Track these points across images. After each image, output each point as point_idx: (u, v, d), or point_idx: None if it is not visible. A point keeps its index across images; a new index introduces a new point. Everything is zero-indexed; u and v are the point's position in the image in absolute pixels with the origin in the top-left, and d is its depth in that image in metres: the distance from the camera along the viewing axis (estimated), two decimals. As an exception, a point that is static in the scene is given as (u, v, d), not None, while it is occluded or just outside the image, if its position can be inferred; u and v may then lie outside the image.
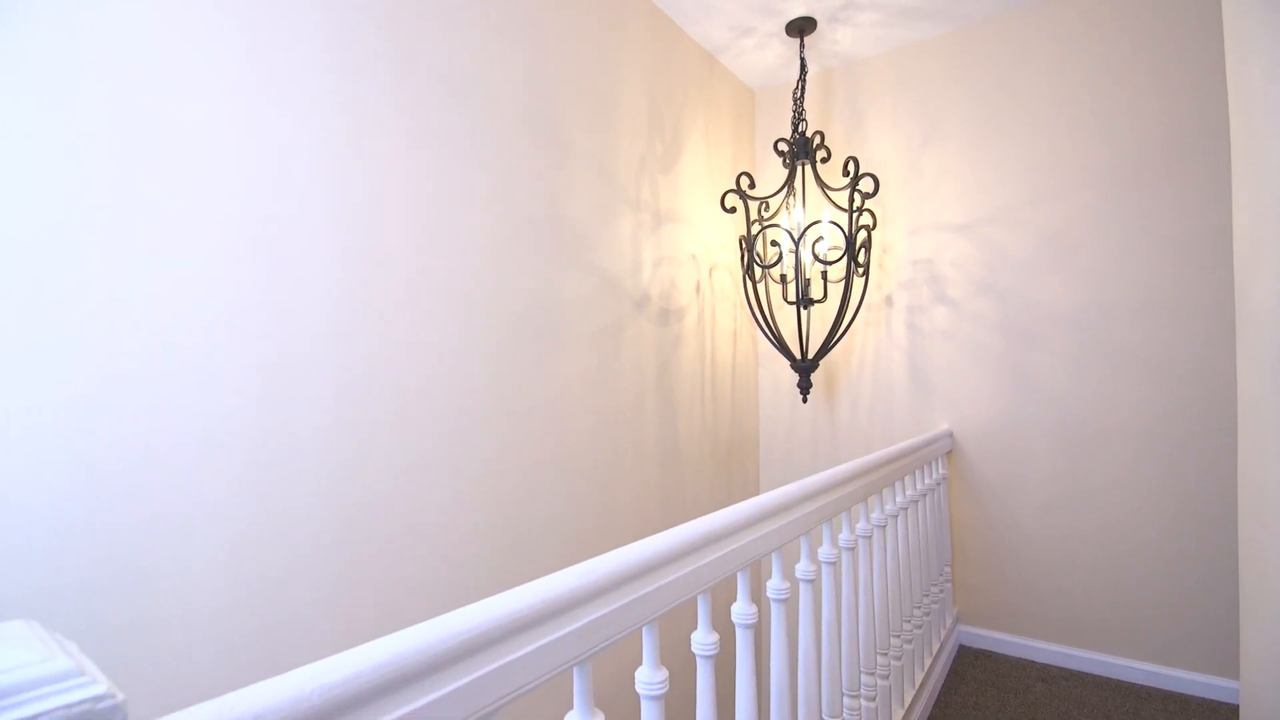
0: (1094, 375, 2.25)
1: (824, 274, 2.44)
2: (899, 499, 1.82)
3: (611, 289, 2.07)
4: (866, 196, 2.29)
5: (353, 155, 1.33)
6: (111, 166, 1.00)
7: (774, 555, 1.12)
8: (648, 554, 0.77)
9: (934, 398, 2.57)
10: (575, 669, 0.68)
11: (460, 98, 1.56)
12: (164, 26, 1.06)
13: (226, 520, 1.12)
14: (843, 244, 2.32)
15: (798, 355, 2.51)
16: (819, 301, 2.46)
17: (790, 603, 1.16)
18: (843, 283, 2.39)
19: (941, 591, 2.28)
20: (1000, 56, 2.43)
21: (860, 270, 2.41)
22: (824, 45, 2.62)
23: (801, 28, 2.44)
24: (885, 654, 1.67)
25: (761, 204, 2.51)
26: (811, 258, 2.44)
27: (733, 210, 2.51)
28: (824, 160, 2.44)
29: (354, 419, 1.32)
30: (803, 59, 2.50)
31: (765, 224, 2.50)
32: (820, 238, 2.44)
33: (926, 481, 2.15)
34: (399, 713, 0.47)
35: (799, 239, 2.37)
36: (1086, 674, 2.22)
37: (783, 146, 2.52)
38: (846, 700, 1.45)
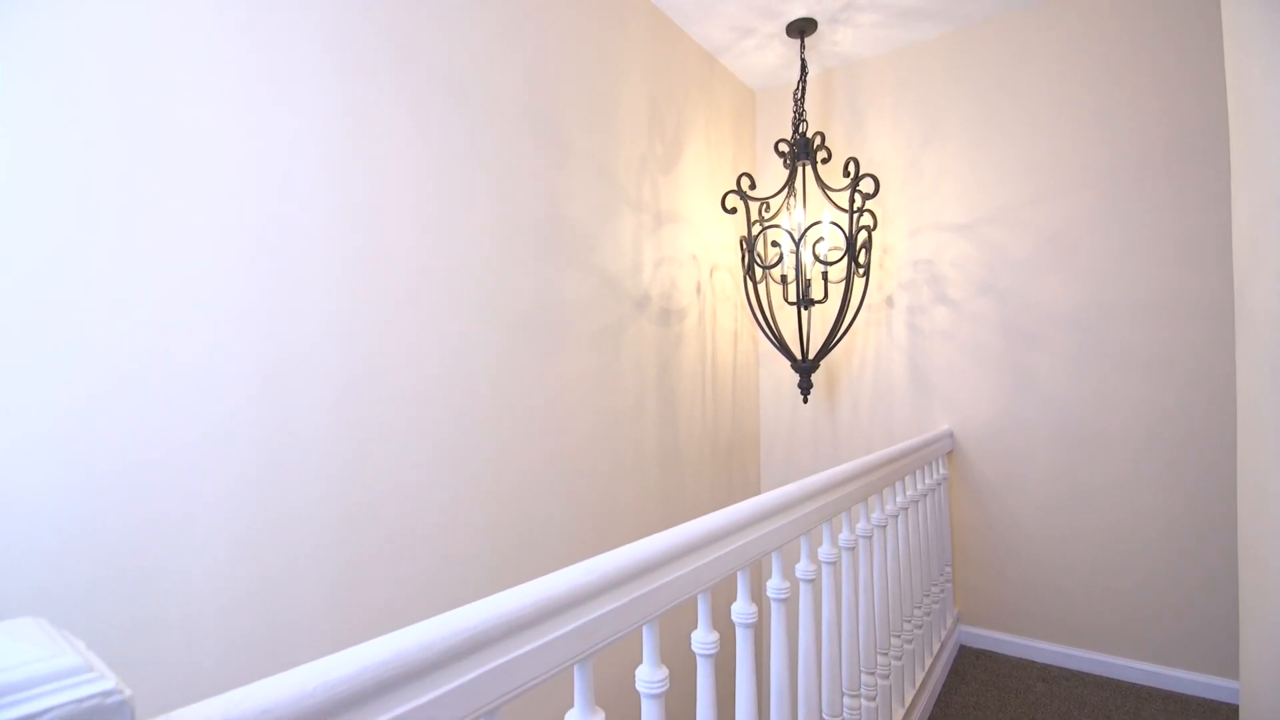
0: (1094, 375, 2.25)
1: (824, 274, 2.44)
2: (899, 499, 1.83)
3: (612, 289, 2.07)
4: (867, 197, 2.29)
5: (354, 156, 1.34)
6: (114, 167, 1.01)
7: (774, 555, 1.12)
8: (648, 553, 0.77)
9: (934, 398, 2.57)
10: (576, 667, 0.68)
11: (461, 98, 1.56)
12: (165, 27, 1.07)
13: (229, 520, 1.12)
14: (843, 244, 2.32)
15: (798, 355, 2.52)
16: (820, 302, 2.46)
17: (790, 602, 1.16)
18: (843, 283, 2.40)
19: (942, 591, 2.28)
20: (1001, 57, 2.43)
21: (861, 271, 2.41)
22: (824, 46, 2.62)
23: (802, 29, 2.44)
24: (885, 654, 1.67)
25: (762, 204, 2.52)
26: (812, 258, 2.44)
27: (733, 211, 2.51)
28: (824, 161, 2.44)
29: (355, 419, 1.33)
30: (803, 60, 2.50)
31: (766, 224, 2.50)
32: (821, 238, 2.44)
33: (927, 481, 2.15)
34: (402, 709, 0.48)
35: (799, 239, 2.37)
36: (1087, 674, 2.22)
37: (783, 147, 2.52)
38: (847, 700, 1.46)
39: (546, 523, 1.78)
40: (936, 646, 2.19)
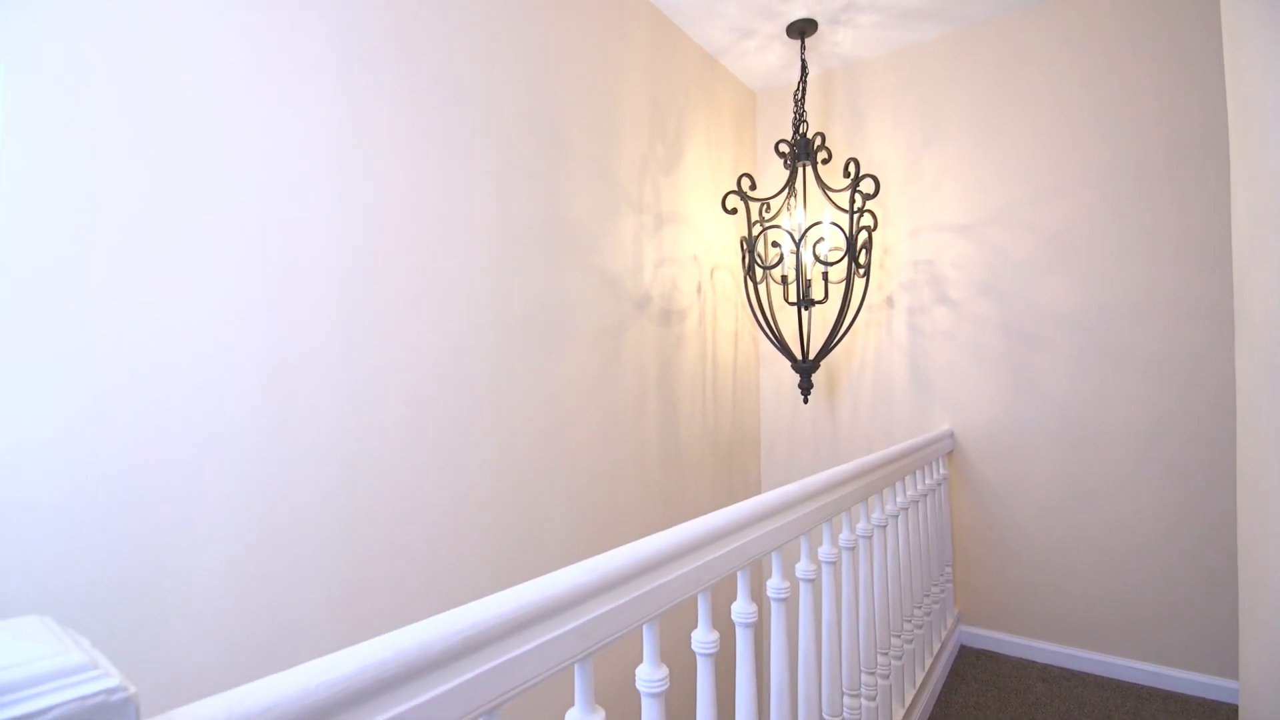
0: (1095, 375, 2.25)
1: (825, 275, 2.44)
2: (900, 499, 1.83)
3: (613, 290, 2.07)
4: (867, 197, 2.30)
5: (356, 157, 1.34)
6: (117, 170, 1.01)
7: (774, 555, 1.13)
8: (648, 552, 0.77)
9: (935, 398, 2.57)
10: (576, 666, 0.69)
11: (462, 100, 1.56)
12: (166, 27, 1.07)
13: (232, 522, 1.13)
14: (844, 245, 2.32)
15: (799, 356, 2.52)
16: (820, 302, 2.47)
17: (790, 602, 1.16)
18: (844, 283, 2.40)
19: (942, 591, 2.28)
20: (1001, 57, 2.44)
21: (861, 271, 2.41)
22: (825, 47, 2.63)
23: (802, 29, 2.44)
24: (886, 653, 1.67)
25: (762, 205, 2.52)
26: (812, 259, 2.44)
27: (734, 211, 2.51)
28: (825, 161, 2.44)
29: (358, 421, 1.33)
30: (804, 60, 2.50)
31: (766, 225, 2.50)
32: (821, 239, 2.44)
33: (927, 482, 2.15)
34: (403, 708, 0.48)
35: (800, 240, 2.37)
36: (1087, 674, 2.22)
37: (784, 148, 2.52)
38: (847, 699, 1.46)
39: (547, 523, 1.79)
40: (937, 646, 2.19)
